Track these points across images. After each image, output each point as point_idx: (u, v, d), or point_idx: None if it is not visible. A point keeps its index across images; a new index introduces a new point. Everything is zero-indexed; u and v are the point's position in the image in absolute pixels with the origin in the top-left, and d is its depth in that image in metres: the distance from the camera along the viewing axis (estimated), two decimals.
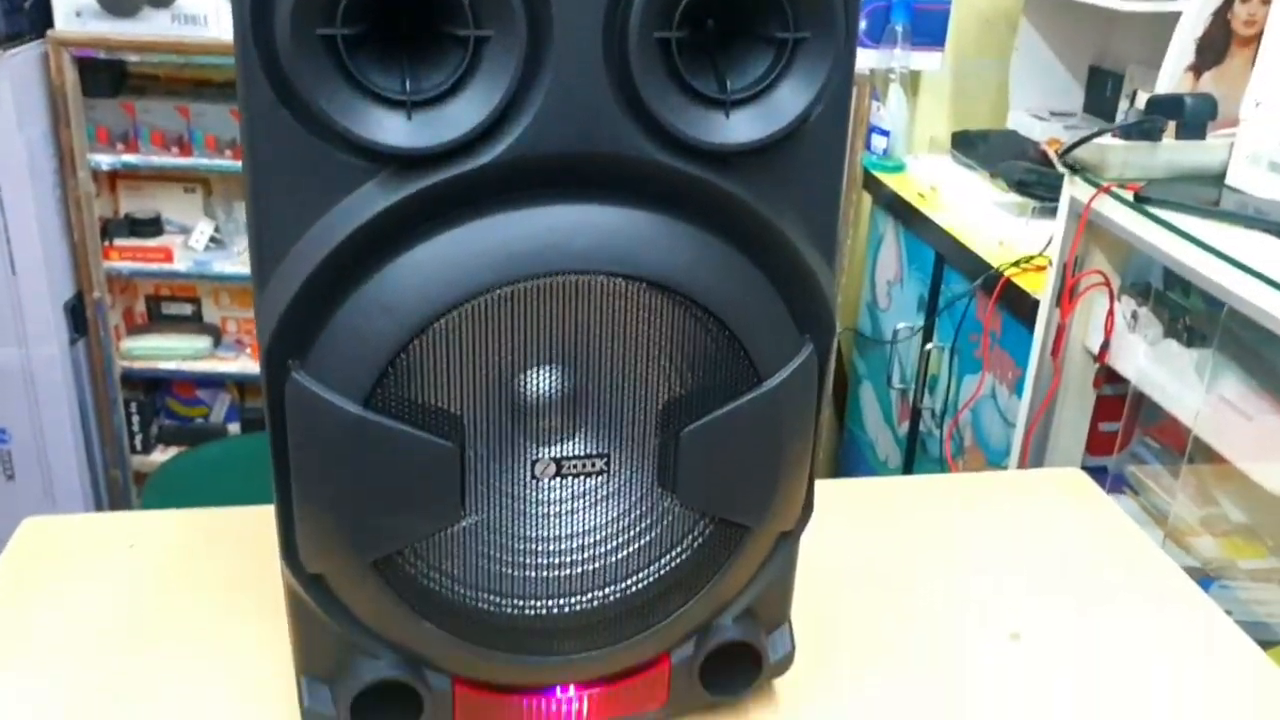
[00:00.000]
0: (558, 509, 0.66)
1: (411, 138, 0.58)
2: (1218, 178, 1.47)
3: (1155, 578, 0.98)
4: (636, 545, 0.68)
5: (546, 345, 0.62)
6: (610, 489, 0.67)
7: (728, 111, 0.59)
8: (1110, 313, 1.53)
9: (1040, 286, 1.62)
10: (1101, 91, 2.18)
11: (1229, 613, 0.95)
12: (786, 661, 0.77)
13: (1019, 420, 1.64)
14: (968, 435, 1.90)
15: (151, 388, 2.40)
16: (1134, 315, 1.52)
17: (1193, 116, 1.47)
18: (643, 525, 0.67)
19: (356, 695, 0.69)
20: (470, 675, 0.71)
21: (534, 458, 0.64)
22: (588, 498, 0.67)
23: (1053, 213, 1.60)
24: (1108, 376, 1.58)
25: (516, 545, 0.66)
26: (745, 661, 0.75)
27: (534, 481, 0.65)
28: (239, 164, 0.64)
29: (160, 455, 2.38)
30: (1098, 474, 1.26)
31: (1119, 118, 2.01)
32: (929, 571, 0.96)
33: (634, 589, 0.68)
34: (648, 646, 0.72)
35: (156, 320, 2.38)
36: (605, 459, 0.65)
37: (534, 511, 0.66)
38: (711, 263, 0.61)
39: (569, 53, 0.57)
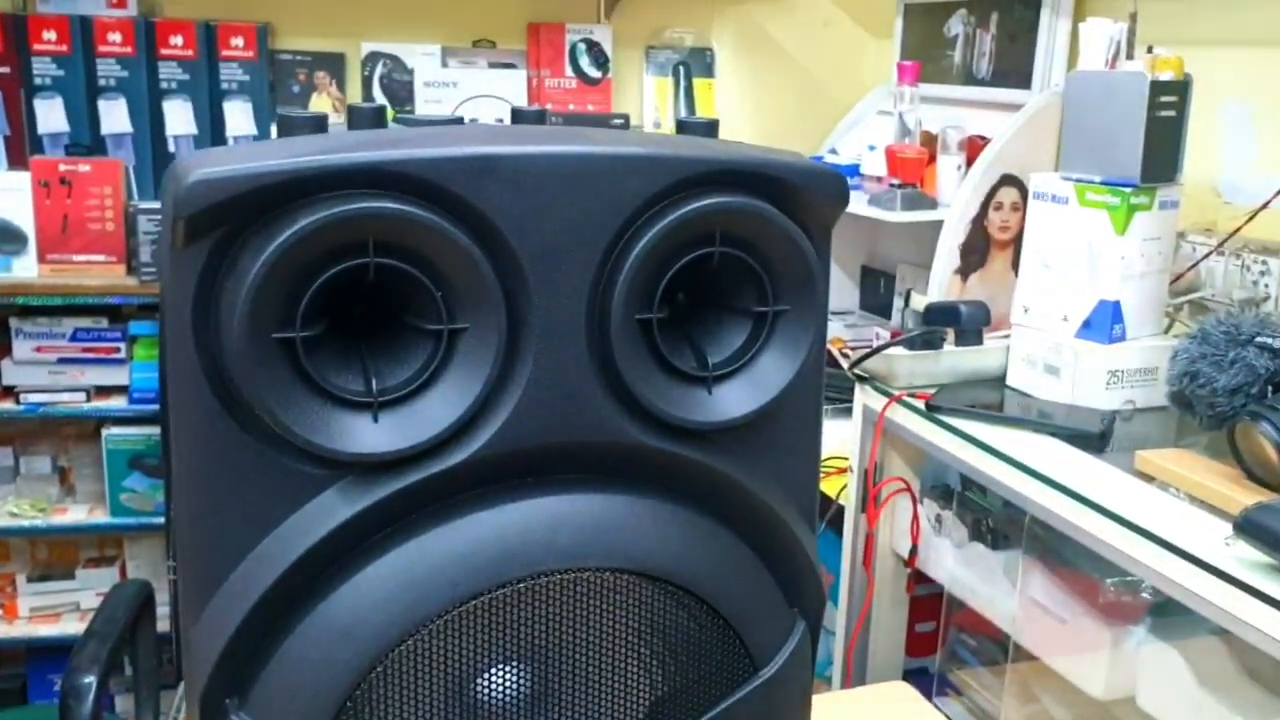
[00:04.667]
0: None
1: (379, 441, 0.52)
2: (1000, 379, 1.55)
3: None
4: None
5: (526, 650, 0.56)
6: None
7: (710, 387, 0.57)
8: (915, 517, 1.56)
9: (842, 488, 1.64)
10: (875, 289, 2.30)
11: None
12: None
13: (838, 628, 1.64)
14: None
15: None
16: (938, 519, 1.56)
17: (969, 323, 1.56)
18: None
19: None
20: None
21: None
22: None
23: (844, 413, 1.63)
24: (919, 578, 1.60)
25: None
26: None
27: None
28: None
29: None
30: (921, 676, 1.25)
31: (894, 315, 2.11)
32: None
33: None
34: None
35: None
36: None
37: None
38: (701, 545, 0.57)
39: (550, 341, 0.54)
